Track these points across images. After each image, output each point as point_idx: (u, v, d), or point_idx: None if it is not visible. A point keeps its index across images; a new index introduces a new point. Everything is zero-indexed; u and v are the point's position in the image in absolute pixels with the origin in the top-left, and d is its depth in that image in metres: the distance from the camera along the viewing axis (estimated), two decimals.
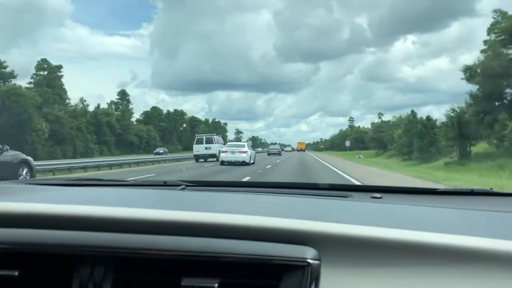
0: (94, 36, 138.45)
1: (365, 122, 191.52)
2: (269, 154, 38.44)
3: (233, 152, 17.80)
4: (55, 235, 0.59)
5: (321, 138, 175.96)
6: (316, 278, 0.56)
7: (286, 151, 72.76)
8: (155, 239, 0.59)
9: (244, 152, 17.77)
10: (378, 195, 1.04)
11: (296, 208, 0.83)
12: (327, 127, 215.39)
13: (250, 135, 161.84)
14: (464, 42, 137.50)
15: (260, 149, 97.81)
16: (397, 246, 0.57)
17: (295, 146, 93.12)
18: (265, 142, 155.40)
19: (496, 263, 0.54)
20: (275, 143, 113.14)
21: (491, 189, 1.22)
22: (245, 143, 19.44)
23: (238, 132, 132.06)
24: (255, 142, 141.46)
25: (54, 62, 52.01)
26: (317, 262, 0.56)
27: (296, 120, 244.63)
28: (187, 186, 1.18)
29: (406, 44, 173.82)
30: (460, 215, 0.81)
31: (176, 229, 0.60)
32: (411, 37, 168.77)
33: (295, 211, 0.79)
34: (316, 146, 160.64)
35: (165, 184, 1.25)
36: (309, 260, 0.56)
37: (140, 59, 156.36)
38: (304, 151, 73.73)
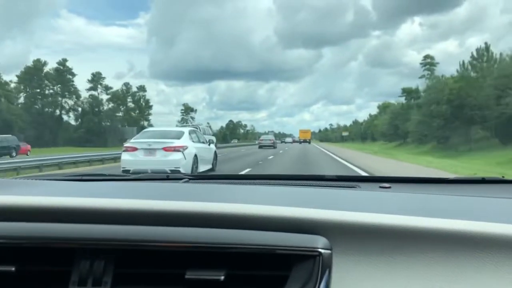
0: (90, 26, 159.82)
1: (369, 109, 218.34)
2: (260, 147, 37.30)
3: (150, 151, 9.76)
4: (52, 228, 0.68)
5: (331, 124, 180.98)
6: (328, 268, 0.64)
7: (286, 142, 71.89)
8: (158, 231, 0.67)
9: (177, 149, 9.96)
10: (386, 184, 1.23)
11: (304, 198, 0.95)
12: (330, 115, 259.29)
13: (251, 125, 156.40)
14: (473, 23, 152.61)
15: (235, 141, 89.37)
16: (409, 233, 0.67)
17: (297, 136, 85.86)
18: (252, 131, 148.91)
19: (510, 248, 0.63)
20: (269, 132, 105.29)
21: (503, 177, 1.45)
22: (185, 130, 11.22)
23: (187, 110, 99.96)
24: (235, 131, 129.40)
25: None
26: (328, 251, 0.65)
27: (299, 109, 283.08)
28: (190, 179, 1.38)
29: (413, 26, 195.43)
30: (471, 202, 0.95)
31: (180, 220, 0.69)
32: (418, 19, 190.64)
33: (303, 201, 0.90)
34: (324, 135, 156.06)
35: (167, 178, 1.48)
36: (320, 250, 0.64)
37: (138, 50, 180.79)
38: (309, 142, 67.39)
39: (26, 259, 0.69)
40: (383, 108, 77.19)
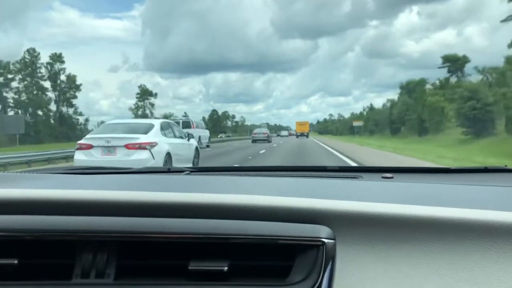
0: (84, 19, 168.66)
1: (366, 101, 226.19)
2: (253, 141, 38.57)
3: (109, 149, 9.10)
4: (55, 220, 0.76)
5: (331, 114, 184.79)
6: (331, 258, 0.71)
7: (281, 136, 74.99)
8: (161, 222, 0.74)
9: (143, 146, 9.06)
10: (389, 175, 1.35)
11: (307, 188, 1.05)
12: (328, 107, 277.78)
13: (240, 116, 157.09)
14: (471, 12, 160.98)
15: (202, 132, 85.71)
16: (412, 222, 0.73)
17: (294, 129, 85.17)
18: (242, 123, 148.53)
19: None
20: (262, 124, 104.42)
21: (506, 166, 1.56)
22: (155, 123, 10.15)
23: (144, 94, 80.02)
24: (220, 123, 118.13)
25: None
26: (332, 241, 0.72)
27: (296, 101, 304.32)
28: (192, 171, 1.53)
29: (411, 15, 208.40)
30: (474, 191, 1.05)
31: (183, 211, 0.76)
32: (416, 8, 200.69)
33: (306, 191, 0.98)
34: (323, 127, 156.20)
35: (169, 171, 1.64)
36: (323, 239, 0.71)
37: (133, 42, 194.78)
38: (307, 136, 66.18)
39: (29, 252, 0.76)
40: (417, 84, 61.40)
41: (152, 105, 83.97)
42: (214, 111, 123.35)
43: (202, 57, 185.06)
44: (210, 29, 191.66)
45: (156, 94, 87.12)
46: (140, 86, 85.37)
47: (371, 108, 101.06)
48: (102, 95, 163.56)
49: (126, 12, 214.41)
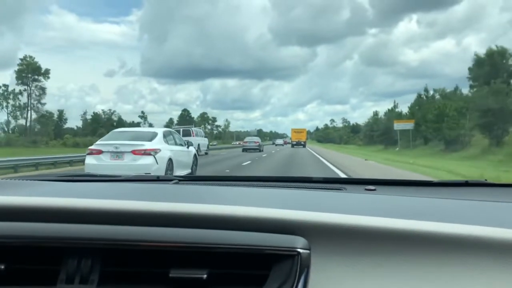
0: (82, 23, 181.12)
1: (363, 110, 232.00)
2: (244, 150, 40.69)
3: (117, 154, 10.70)
4: (42, 228, 0.83)
5: (332, 120, 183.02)
6: (306, 267, 0.78)
7: (276, 144, 78.03)
8: (144, 231, 0.83)
9: (148, 152, 10.68)
10: (372, 187, 1.47)
11: (288, 200, 1.17)
12: (324, 115, 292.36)
13: (225, 120, 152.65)
14: (471, 21, 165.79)
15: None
16: (389, 235, 0.80)
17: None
18: (226, 127, 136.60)
19: (489, 250, 0.77)
20: (252, 132, 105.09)
21: (486, 180, 1.72)
22: (159, 131, 11.96)
23: (28, 69, 56.50)
24: (205, 123, 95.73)
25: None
26: (307, 251, 0.79)
27: (293, 109, 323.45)
28: (180, 180, 1.66)
29: (410, 24, 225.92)
30: (454, 205, 1.13)
31: (166, 220, 0.84)
32: (415, 16, 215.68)
33: (286, 202, 1.10)
34: (323, 135, 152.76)
35: (158, 179, 1.80)
36: (299, 250, 0.79)
37: (130, 47, 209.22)
38: (304, 145, 65.36)
39: (16, 258, 0.84)
40: None
41: (43, 89, 59.04)
42: (185, 111, 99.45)
43: (199, 63, 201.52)
44: (208, 35, 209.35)
45: (48, 71, 59.25)
46: (23, 59, 57.89)
47: (425, 95, 58.19)
48: (99, 99, 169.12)
49: (124, 17, 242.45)
